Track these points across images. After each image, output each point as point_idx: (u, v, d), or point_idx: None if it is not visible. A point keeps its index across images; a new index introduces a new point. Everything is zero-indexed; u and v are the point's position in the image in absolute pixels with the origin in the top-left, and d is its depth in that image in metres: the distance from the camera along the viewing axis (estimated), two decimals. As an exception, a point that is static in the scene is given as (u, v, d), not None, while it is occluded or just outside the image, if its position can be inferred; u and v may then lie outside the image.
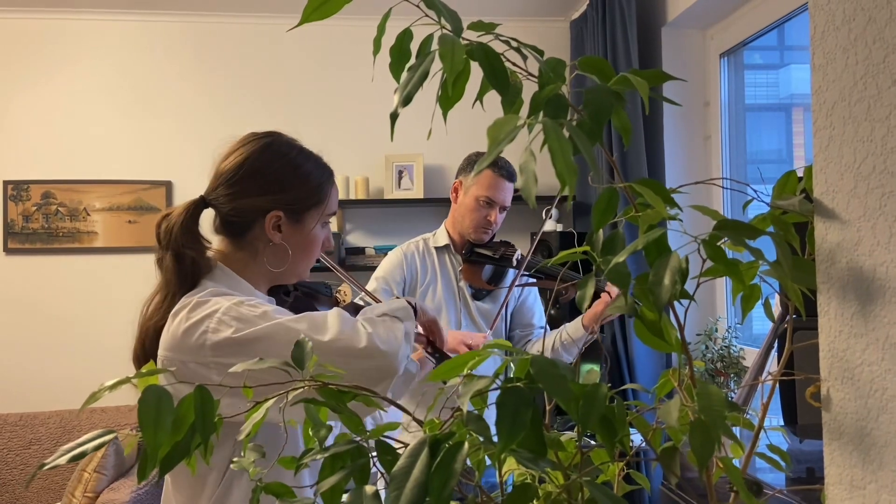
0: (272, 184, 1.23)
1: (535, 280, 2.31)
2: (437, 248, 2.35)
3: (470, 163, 2.36)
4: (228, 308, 1.09)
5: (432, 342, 1.48)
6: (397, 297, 1.39)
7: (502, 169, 2.30)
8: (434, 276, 2.31)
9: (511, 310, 2.37)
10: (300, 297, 1.42)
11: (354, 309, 1.57)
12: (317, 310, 1.43)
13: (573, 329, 2.21)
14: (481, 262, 2.29)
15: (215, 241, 1.27)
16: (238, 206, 1.22)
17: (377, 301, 1.72)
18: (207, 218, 1.27)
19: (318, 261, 1.38)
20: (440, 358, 1.51)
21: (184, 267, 1.19)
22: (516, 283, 2.26)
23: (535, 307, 2.41)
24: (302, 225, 1.26)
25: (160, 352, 1.13)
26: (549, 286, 2.35)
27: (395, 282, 2.27)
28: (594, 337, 2.20)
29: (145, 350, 1.19)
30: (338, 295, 1.53)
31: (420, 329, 1.47)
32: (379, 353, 1.06)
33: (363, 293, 1.81)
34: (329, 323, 1.09)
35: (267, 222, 1.23)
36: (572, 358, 2.25)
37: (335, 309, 1.13)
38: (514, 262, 2.26)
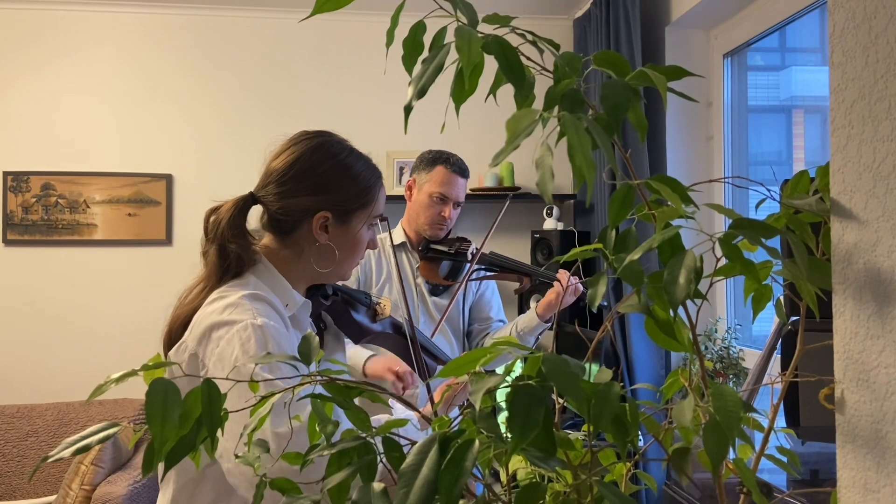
0: (321, 184, 1.24)
1: (491, 273, 2.36)
2: (393, 246, 2.37)
3: (423, 160, 2.39)
4: (245, 326, 1.10)
5: None
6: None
7: (455, 165, 2.34)
8: (390, 274, 2.34)
9: (469, 304, 2.41)
10: (338, 303, 1.41)
11: (393, 326, 1.54)
12: (352, 318, 1.42)
13: (527, 320, 2.27)
14: (438, 258, 2.34)
15: (262, 237, 1.28)
16: (286, 204, 1.23)
17: (410, 321, 1.62)
18: (255, 212, 1.28)
19: None
20: None
21: (226, 261, 1.20)
22: (472, 278, 2.31)
23: (493, 301, 2.45)
24: (349, 226, 1.27)
25: (187, 334, 1.15)
26: (505, 278, 2.40)
27: (349, 282, 2.29)
28: (549, 325, 2.28)
29: (172, 336, 1.20)
30: (377, 307, 1.51)
31: None
32: None
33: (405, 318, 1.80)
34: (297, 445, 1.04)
35: (314, 222, 1.24)
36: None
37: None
38: (470, 257, 2.30)
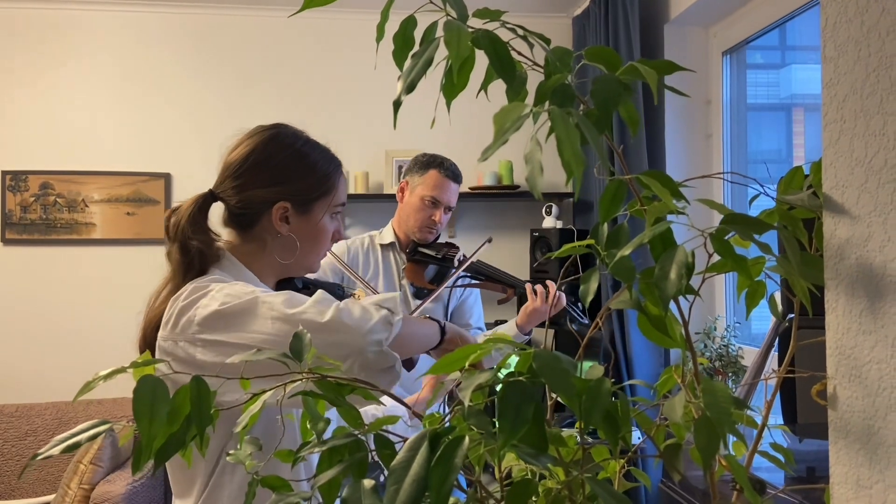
0: (278, 175, 1.23)
1: (476, 282, 2.36)
2: (382, 245, 2.39)
3: (417, 163, 2.40)
4: (222, 287, 1.09)
5: None
6: (432, 318, 1.37)
7: (448, 170, 2.35)
8: (376, 272, 2.35)
9: (452, 309, 2.40)
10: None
11: None
12: None
13: (506, 330, 2.27)
14: (425, 261, 2.34)
15: (224, 234, 1.27)
16: (245, 197, 1.22)
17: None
18: (218, 212, 1.27)
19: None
20: None
21: (189, 258, 1.18)
22: (457, 284, 2.30)
23: (475, 308, 2.45)
24: (310, 216, 1.25)
25: (158, 335, 1.13)
26: (489, 288, 2.39)
27: (333, 271, 2.28)
28: (529, 338, 2.26)
29: (147, 340, 1.18)
30: (351, 299, 1.49)
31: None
32: (342, 326, 1.02)
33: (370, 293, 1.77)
34: (305, 299, 1.07)
35: (274, 214, 1.22)
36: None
37: (321, 291, 1.11)
38: (456, 263, 2.30)
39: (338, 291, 1.46)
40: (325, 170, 1.27)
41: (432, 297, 2.21)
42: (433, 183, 2.32)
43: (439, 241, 2.42)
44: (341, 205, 1.31)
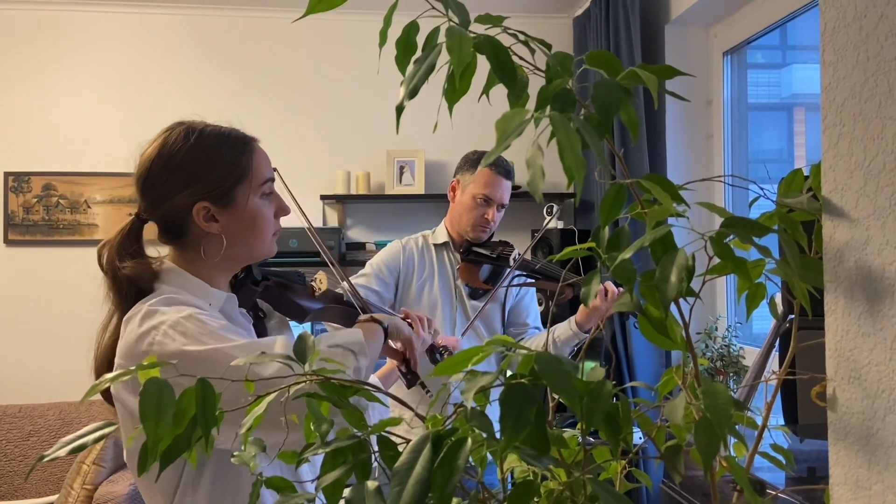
0: (184, 177, 1.16)
1: (532, 280, 2.31)
2: (436, 245, 2.35)
3: (468, 161, 2.35)
4: (175, 322, 1.04)
5: (407, 361, 1.45)
6: (372, 318, 1.33)
7: (500, 167, 2.29)
8: (431, 273, 2.31)
9: (509, 308, 2.36)
10: (270, 287, 1.34)
11: (334, 299, 1.52)
12: (290, 300, 1.37)
13: (564, 329, 2.21)
14: (479, 261, 2.29)
15: (165, 251, 1.23)
16: (164, 211, 1.17)
17: (358, 295, 1.53)
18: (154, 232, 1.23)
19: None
20: (411, 379, 1.48)
21: (121, 286, 1.15)
22: (513, 283, 2.26)
23: (532, 307, 2.40)
24: (235, 206, 1.18)
25: (116, 359, 1.10)
26: (547, 286, 2.34)
27: (390, 269, 2.26)
28: (588, 336, 2.17)
29: (101, 375, 1.15)
30: (313, 283, 1.46)
31: (398, 346, 1.43)
32: None
33: (345, 283, 1.70)
34: (271, 346, 1.04)
35: (197, 217, 1.16)
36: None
37: (282, 339, 1.08)
38: (512, 262, 2.24)
39: (299, 280, 1.44)
40: (231, 154, 1.19)
41: (488, 297, 2.18)
42: (484, 181, 2.26)
43: (492, 239, 2.36)
44: (268, 181, 1.23)
